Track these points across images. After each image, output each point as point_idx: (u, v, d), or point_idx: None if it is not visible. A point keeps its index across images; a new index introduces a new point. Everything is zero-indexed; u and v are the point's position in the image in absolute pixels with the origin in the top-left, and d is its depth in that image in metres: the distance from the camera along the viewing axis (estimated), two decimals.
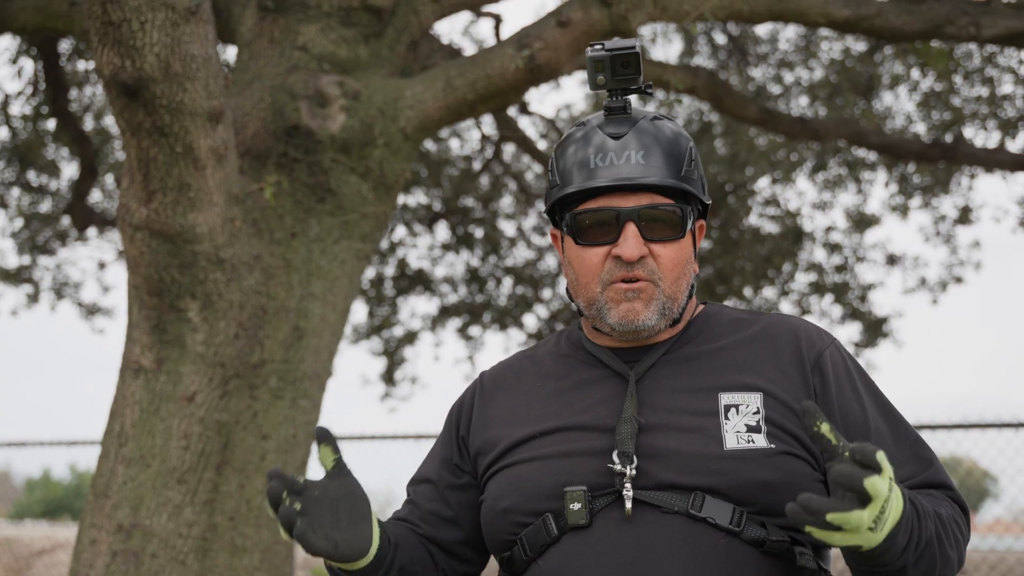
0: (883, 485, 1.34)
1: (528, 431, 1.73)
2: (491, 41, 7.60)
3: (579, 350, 1.82)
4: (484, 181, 10.77)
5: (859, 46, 9.24)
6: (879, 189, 9.93)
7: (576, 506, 1.62)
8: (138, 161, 3.64)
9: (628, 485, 1.60)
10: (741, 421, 1.64)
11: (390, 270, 11.34)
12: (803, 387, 1.68)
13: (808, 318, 11.16)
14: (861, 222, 10.14)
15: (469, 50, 7.60)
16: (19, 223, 11.36)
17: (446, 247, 11.13)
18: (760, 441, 1.62)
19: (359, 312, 16.51)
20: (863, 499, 1.34)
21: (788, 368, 1.70)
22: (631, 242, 1.67)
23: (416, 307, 19.74)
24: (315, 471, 5.50)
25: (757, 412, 1.64)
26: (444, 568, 1.87)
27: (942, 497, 1.66)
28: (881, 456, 1.35)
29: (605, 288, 1.70)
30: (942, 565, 1.56)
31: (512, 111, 9.41)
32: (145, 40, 3.41)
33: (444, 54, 5.11)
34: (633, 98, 1.88)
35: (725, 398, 1.66)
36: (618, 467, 1.61)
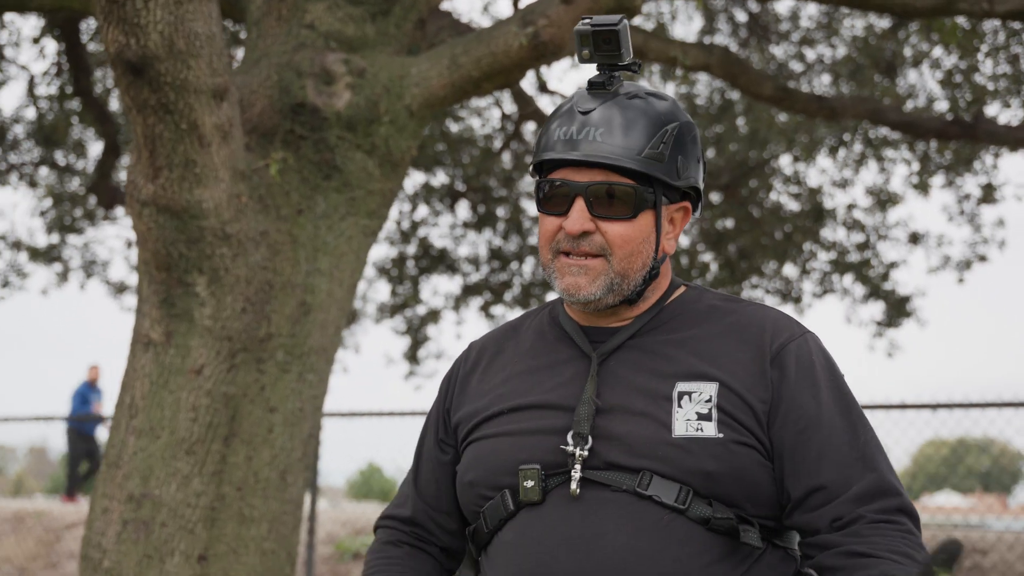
0: None
1: (498, 408, 1.79)
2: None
3: (555, 327, 1.86)
4: (505, 159, 10.79)
5: (882, 23, 9.17)
6: (902, 167, 9.83)
7: (529, 483, 1.69)
8: (144, 138, 3.70)
9: (577, 466, 1.65)
10: (693, 409, 1.67)
11: (412, 249, 11.41)
12: (761, 380, 1.70)
13: (830, 297, 11.19)
14: (883, 200, 10.07)
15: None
16: (48, 203, 11.53)
17: (467, 226, 11.18)
18: (709, 430, 1.65)
19: (382, 291, 16.55)
20: None
21: (748, 361, 1.72)
22: (574, 216, 1.71)
23: (439, 286, 19.84)
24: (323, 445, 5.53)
25: (709, 400, 1.67)
26: (453, 549, 1.95)
27: (902, 532, 1.62)
28: None
29: (555, 257, 1.75)
30: None
31: (531, 89, 9.42)
32: (149, 18, 3.46)
33: (452, 32, 5.13)
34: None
35: (681, 386, 1.69)
36: (570, 447, 1.67)
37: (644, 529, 1.62)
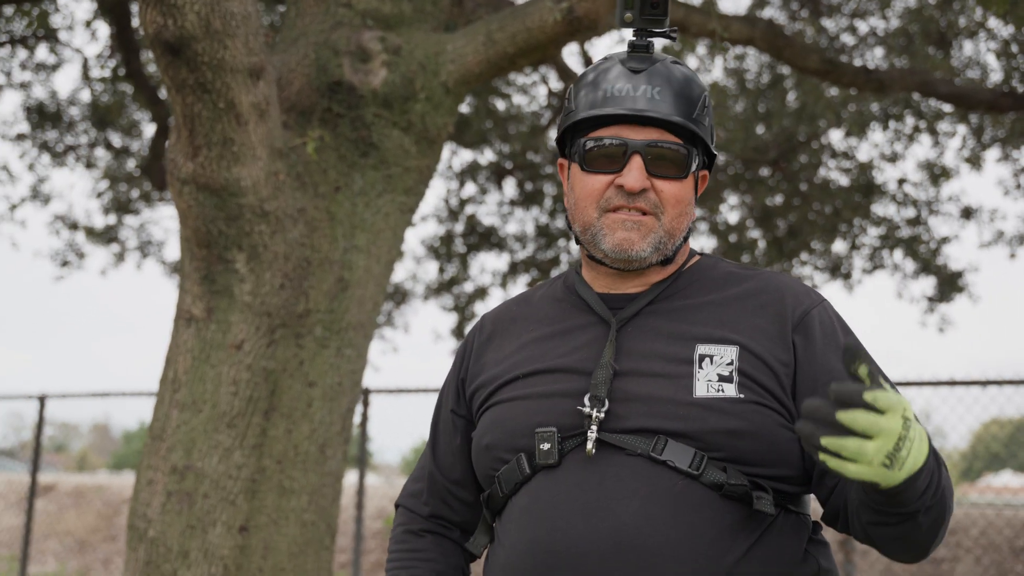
0: (889, 423, 1.34)
1: (513, 374, 1.81)
2: None
3: (571, 294, 1.87)
4: (552, 136, 10.78)
5: None
6: (956, 141, 9.66)
7: (546, 446, 1.69)
8: (184, 117, 3.77)
9: (594, 427, 1.66)
10: (714, 371, 1.68)
11: (460, 227, 11.46)
12: (781, 344, 1.71)
13: (880, 272, 11.04)
14: (935, 174, 9.90)
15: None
16: (104, 184, 11.75)
17: (514, 203, 11.19)
18: (730, 390, 1.65)
19: (431, 270, 16.64)
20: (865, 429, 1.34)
21: (768, 326, 1.72)
22: (635, 173, 1.71)
23: (486, 263, 19.95)
24: (371, 421, 5.59)
25: (731, 363, 1.68)
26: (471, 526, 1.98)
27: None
28: (889, 399, 1.34)
29: (602, 214, 1.74)
30: (947, 514, 1.57)
31: (577, 65, 9.39)
32: None
33: (489, 8, 5.14)
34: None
35: (701, 348, 1.70)
36: (587, 409, 1.67)
37: (657, 494, 1.62)
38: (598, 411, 1.67)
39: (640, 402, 1.67)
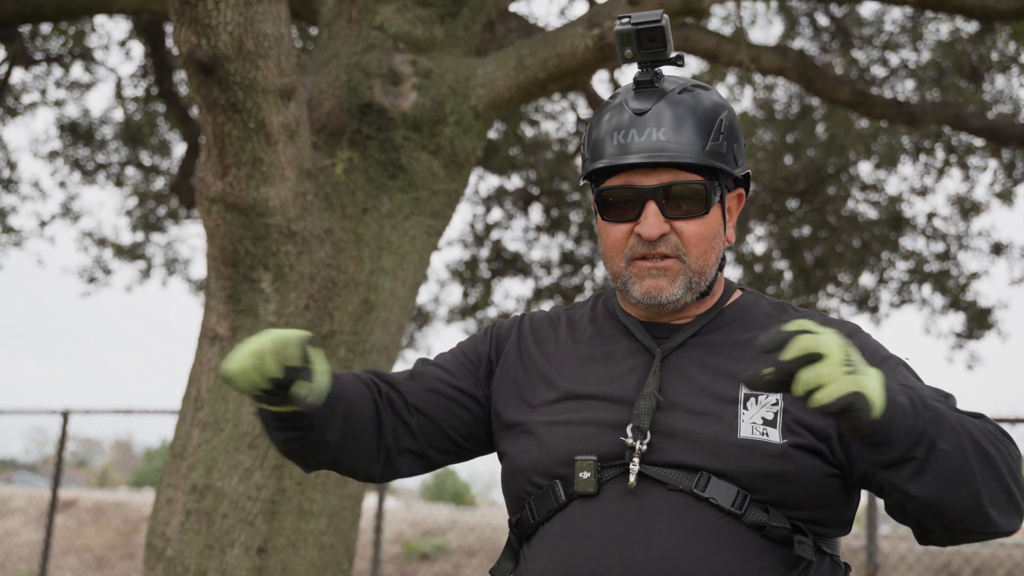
0: (826, 337, 1.36)
1: (553, 395, 1.77)
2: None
3: (612, 318, 1.84)
4: (579, 163, 10.78)
5: (969, 27, 8.94)
6: (987, 175, 9.58)
7: (585, 475, 1.65)
8: (214, 136, 3.78)
9: (636, 459, 1.63)
10: (759, 413, 1.65)
11: (485, 252, 11.46)
12: None
13: (908, 307, 10.95)
14: (966, 209, 9.82)
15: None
16: (133, 201, 11.85)
17: (540, 229, 11.19)
18: (774, 435, 1.63)
19: (455, 293, 16.64)
20: (808, 358, 1.36)
21: None
22: (650, 220, 1.69)
23: (511, 289, 19.93)
24: None
25: (776, 404, 1.65)
26: (390, 432, 1.82)
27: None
28: (808, 324, 1.39)
29: (629, 264, 1.73)
30: (983, 447, 1.47)
31: (606, 92, 9.38)
32: (219, 19, 3.54)
33: (521, 33, 5.15)
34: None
35: (747, 388, 1.66)
36: (630, 440, 1.65)
37: (698, 531, 1.60)
38: (640, 443, 1.64)
39: (683, 438, 1.65)
